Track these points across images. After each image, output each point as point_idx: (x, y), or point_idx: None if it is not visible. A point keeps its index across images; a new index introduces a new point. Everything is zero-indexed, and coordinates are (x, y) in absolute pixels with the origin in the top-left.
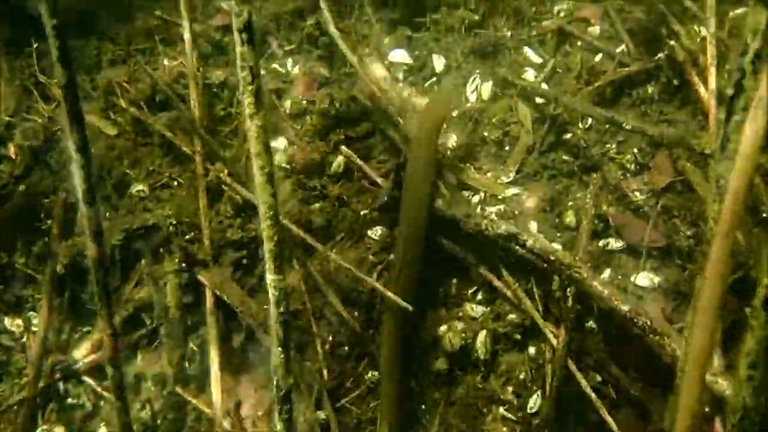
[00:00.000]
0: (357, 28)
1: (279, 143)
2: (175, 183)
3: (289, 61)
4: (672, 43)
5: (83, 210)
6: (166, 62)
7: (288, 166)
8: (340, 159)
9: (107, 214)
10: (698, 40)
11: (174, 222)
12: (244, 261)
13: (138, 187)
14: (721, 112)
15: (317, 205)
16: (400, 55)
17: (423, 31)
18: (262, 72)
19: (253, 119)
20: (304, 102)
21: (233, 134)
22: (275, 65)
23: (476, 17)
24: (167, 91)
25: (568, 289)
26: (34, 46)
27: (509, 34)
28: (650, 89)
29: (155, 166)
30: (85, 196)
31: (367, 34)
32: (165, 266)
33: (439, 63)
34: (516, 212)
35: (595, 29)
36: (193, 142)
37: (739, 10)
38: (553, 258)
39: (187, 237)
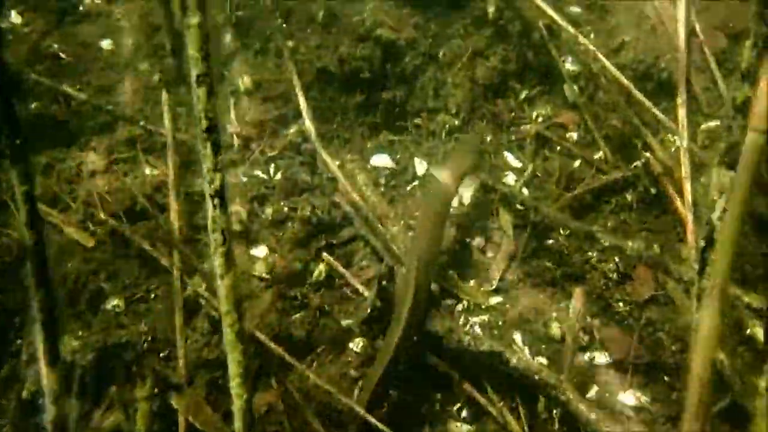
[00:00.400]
0: (340, 133)
1: (260, 252)
2: (152, 297)
3: (272, 167)
4: (647, 155)
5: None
6: (147, 171)
7: (268, 276)
8: (321, 267)
9: (80, 332)
10: (672, 150)
11: (149, 339)
12: (220, 381)
13: (113, 302)
14: (699, 232)
15: (298, 315)
16: (382, 160)
17: (405, 135)
18: (244, 178)
19: (224, 279)
20: (286, 209)
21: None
22: (258, 171)
23: (456, 122)
24: (144, 201)
25: (554, 411)
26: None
27: (489, 138)
28: (629, 197)
29: (132, 279)
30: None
31: (350, 138)
32: (137, 390)
33: (420, 167)
34: (500, 322)
35: (573, 135)
36: (172, 254)
37: (711, 123)
38: (538, 378)
39: (162, 355)
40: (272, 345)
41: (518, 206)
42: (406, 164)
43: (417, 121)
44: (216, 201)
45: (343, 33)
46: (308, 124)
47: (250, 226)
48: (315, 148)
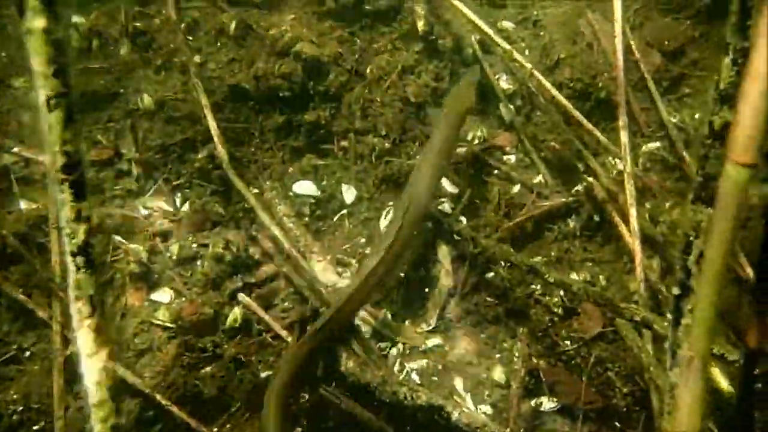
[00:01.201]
0: (257, 157)
1: (163, 296)
2: (26, 356)
3: (178, 198)
4: (590, 179)
5: None
6: (23, 205)
7: (173, 325)
8: (236, 311)
9: None
10: (614, 173)
11: (20, 408)
12: None
13: None
14: (652, 272)
15: (208, 369)
16: (305, 187)
17: (331, 159)
18: (145, 211)
19: (92, 358)
20: (195, 245)
21: (106, 287)
22: (161, 203)
23: (386, 144)
24: (16, 244)
25: None
26: None
27: None
28: (571, 224)
29: (2, 335)
30: None
31: (269, 163)
32: None
33: (349, 194)
34: (439, 367)
35: (510, 158)
36: (51, 304)
37: (651, 145)
38: None
39: (36, 428)
40: (176, 409)
41: (456, 237)
42: (333, 191)
43: (344, 143)
44: (79, 260)
45: (259, 48)
46: (220, 149)
47: (150, 266)
48: (228, 175)
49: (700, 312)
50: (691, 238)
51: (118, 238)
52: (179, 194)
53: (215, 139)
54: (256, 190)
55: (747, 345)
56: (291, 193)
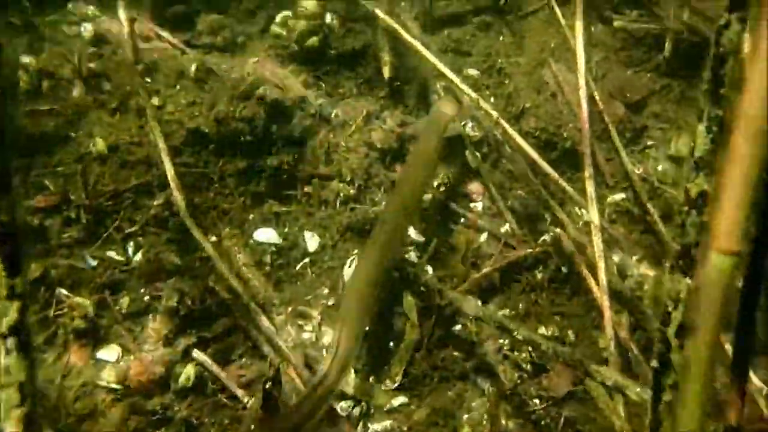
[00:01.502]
0: (216, 203)
1: (109, 354)
2: None
3: (130, 247)
4: (557, 230)
5: None
6: None
7: (119, 386)
8: (190, 368)
9: None
10: (581, 224)
11: None
12: None
13: None
14: (621, 328)
15: None
16: (267, 234)
17: (293, 205)
18: (93, 262)
19: None
20: (147, 297)
21: (48, 344)
22: (111, 252)
23: (351, 190)
24: None
25: None
26: None
27: None
28: (539, 275)
29: None
30: None
31: (229, 209)
32: None
33: (312, 242)
34: (404, 428)
35: (477, 206)
36: None
37: (617, 196)
38: None
39: None
40: None
41: (422, 288)
42: (295, 239)
43: (307, 189)
44: (11, 342)
45: (221, 90)
46: (176, 194)
47: (97, 321)
48: (185, 222)
49: (685, 407)
50: (670, 309)
51: (62, 291)
52: (132, 243)
53: (172, 184)
54: (214, 238)
55: (727, 422)
56: (251, 241)
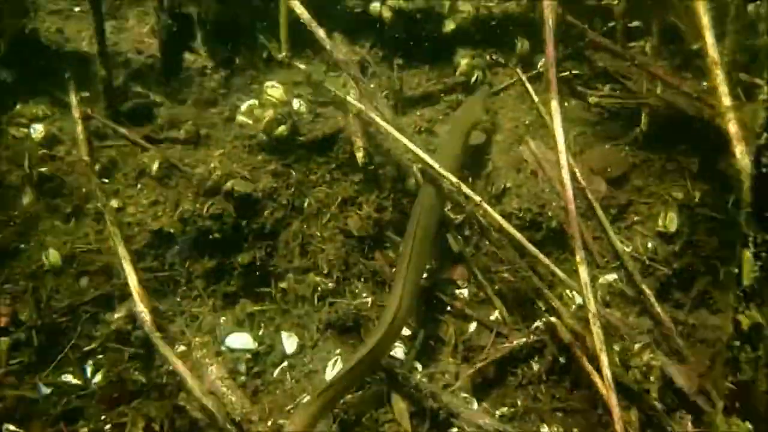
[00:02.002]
0: (184, 308)
1: None
2: None
3: (89, 367)
4: (552, 319)
5: None
6: None
7: None
8: None
9: None
10: (573, 307)
11: None
12: None
13: None
14: (631, 427)
15: None
16: (241, 339)
17: (269, 303)
18: (46, 390)
19: None
20: (109, 426)
21: None
22: (67, 376)
23: (330, 283)
24: None
25: None
26: None
27: (369, 300)
28: (536, 367)
29: None
30: None
31: (198, 314)
32: None
33: (290, 343)
34: None
35: (463, 292)
36: None
37: (608, 276)
38: None
39: None
40: None
41: (413, 391)
42: (272, 341)
43: (282, 284)
44: None
45: (186, 187)
46: (140, 305)
47: None
48: (149, 336)
49: None
50: None
51: (10, 427)
52: (90, 363)
53: (134, 293)
54: (183, 348)
55: None
56: (224, 348)
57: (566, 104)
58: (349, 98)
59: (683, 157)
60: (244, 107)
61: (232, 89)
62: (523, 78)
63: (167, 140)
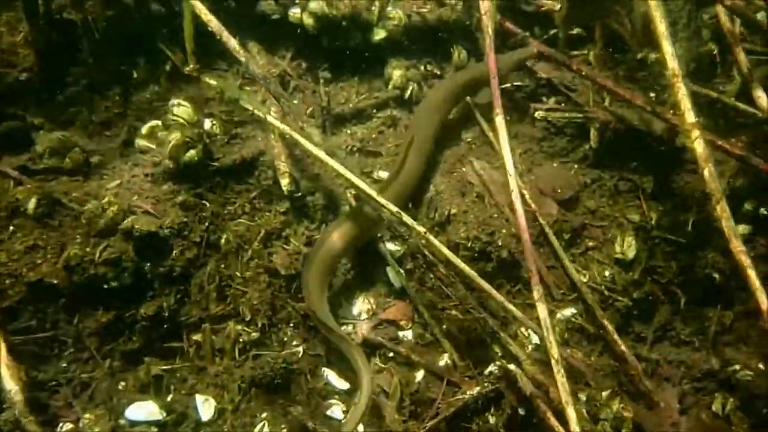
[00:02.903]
0: (72, 375)
1: None
2: None
3: None
4: (507, 364)
5: None
6: None
7: None
8: None
9: None
10: (530, 347)
11: None
12: None
13: None
14: None
15: None
16: (144, 409)
17: (180, 361)
18: None
19: None
20: None
21: None
22: None
23: (254, 332)
24: None
25: None
26: None
27: (300, 350)
28: (492, 420)
29: None
30: None
31: (90, 380)
32: None
33: (205, 408)
34: None
35: (407, 334)
36: None
37: (566, 311)
38: None
39: None
40: None
41: None
42: (184, 408)
43: (196, 337)
44: None
45: (72, 227)
46: (8, 381)
47: None
48: (20, 418)
49: None
50: None
51: None
52: None
53: (2, 365)
54: (69, 426)
55: None
56: (123, 422)
57: (508, 118)
58: (270, 117)
59: (636, 176)
60: (144, 129)
61: (130, 108)
62: None
63: (48, 171)
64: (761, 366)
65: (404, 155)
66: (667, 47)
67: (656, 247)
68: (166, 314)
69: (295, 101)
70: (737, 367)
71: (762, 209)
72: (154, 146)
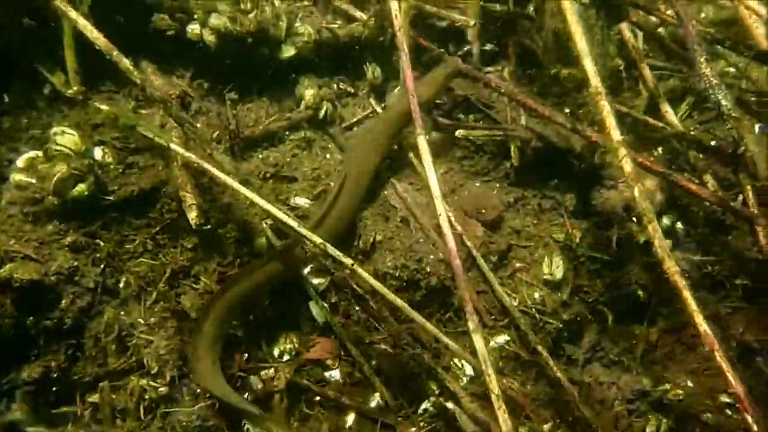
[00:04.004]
0: None
1: None
2: None
3: None
4: (449, 405)
5: None
6: None
7: None
8: None
9: None
10: (464, 380)
11: None
12: None
13: None
14: None
15: None
16: None
17: (71, 427)
18: None
19: None
20: None
21: None
22: None
23: (162, 387)
24: None
25: None
26: None
27: (217, 403)
28: None
29: None
30: None
31: None
32: None
33: None
34: None
35: (335, 374)
36: None
37: (499, 338)
38: None
39: None
40: None
41: None
42: None
43: (92, 397)
44: None
45: None
46: None
47: None
48: None
49: None
50: None
51: None
52: None
53: None
54: None
55: None
56: None
57: (427, 137)
58: (174, 145)
59: (558, 193)
60: (21, 161)
61: (1, 138)
62: (378, 109)
63: None
64: (690, 383)
65: (336, 191)
66: (589, 65)
67: (581, 265)
68: (55, 375)
69: (199, 124)
70: (668, 386)
71: (678, 224)
72: (34, 180)
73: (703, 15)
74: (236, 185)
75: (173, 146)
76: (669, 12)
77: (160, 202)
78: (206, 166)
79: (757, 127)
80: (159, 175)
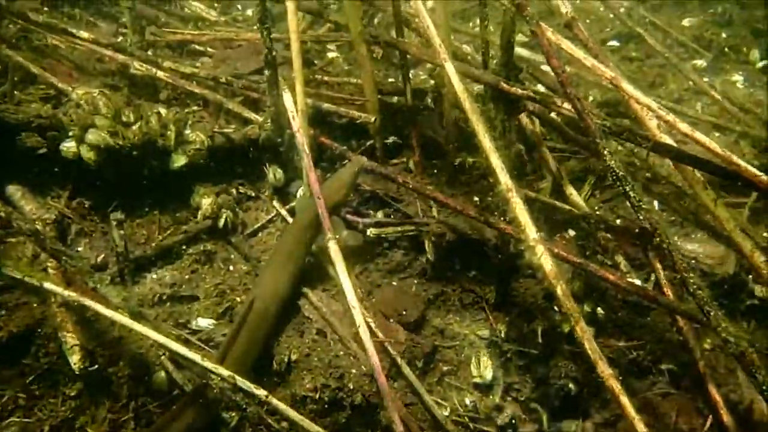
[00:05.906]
0: None
1: None
2: None
3: None
4: None
5: None
6: None
7: None
8: None
9: None
10: None
11: None
12: None
13: None
14: None
15: None
16: None
17: None
18: None
19: None
20: None
21: None
22: None
23: None
24: None
25: None
26: None
27: None
28: None
29: None
30: None
31: None
32: None
33: None
34: None
35: None
36: None
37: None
38: None
39: None
40: None
41: None
42: None
43: None
44: None
45: None
46: None
47: None
48: None
49: None
50: None
51: None
52: None
53: None
54: None
55: None
56: None
57: (337, 236)
58: (48, 284)
59: (478, 287)
60: None
61: None
62: (283, 212)
63: None
64: None
65: (242, 317)
66: (496, 161)
67: (509, 362)
68: None
69: (80, 249)
70: None
71: (599, 309)
72: None
73: (591, 99)
74: (125, 320)
75: (48, 285)
76: (566, 105)
77: (34, 346)
78: (89, 303)
79: None
80: (33, 314)
